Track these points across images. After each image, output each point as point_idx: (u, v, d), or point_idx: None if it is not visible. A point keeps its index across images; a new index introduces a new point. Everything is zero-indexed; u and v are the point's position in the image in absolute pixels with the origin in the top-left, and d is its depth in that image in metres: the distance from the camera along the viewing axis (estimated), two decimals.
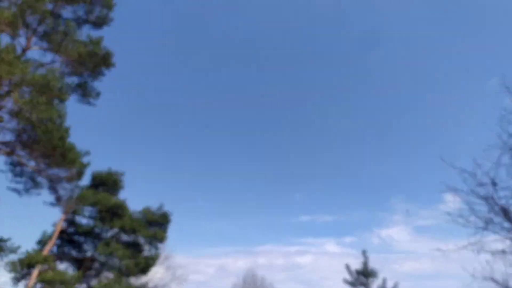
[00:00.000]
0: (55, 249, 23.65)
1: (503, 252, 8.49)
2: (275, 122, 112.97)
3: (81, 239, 24.66)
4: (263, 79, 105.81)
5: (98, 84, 20.64)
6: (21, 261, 19.24)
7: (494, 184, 8.43)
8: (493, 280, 8.68)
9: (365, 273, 15.28)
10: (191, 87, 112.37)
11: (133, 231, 23.21)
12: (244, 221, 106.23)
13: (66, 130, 16.82)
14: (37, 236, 23.55)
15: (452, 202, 8.82)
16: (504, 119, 8.21)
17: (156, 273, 37.69)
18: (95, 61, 18.86)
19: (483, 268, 8.56)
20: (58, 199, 20.05)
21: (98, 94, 20.80)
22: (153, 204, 25.22)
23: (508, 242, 8.46)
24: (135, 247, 23.68)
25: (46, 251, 21.40)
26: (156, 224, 24.57)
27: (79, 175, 18.73)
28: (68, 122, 17.48)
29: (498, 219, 8.57)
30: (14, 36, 16.83)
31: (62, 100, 17.18)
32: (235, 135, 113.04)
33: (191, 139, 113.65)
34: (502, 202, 8.39)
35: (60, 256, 23.35)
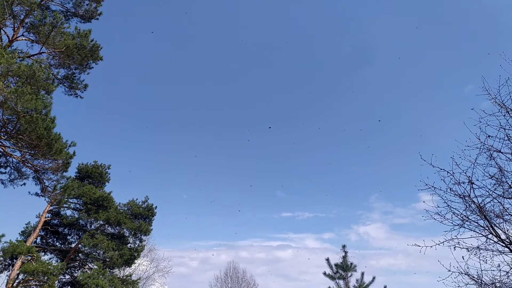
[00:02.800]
0: (39, 240, 23.61)
1: (478, 248, 8.77)
2: (259, 120, 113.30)
3: (66, 230, 24.66)
4: (249, 79, 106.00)
5: (86, 77, 20.62)
6: (4, 251, 19.19)
7: (471, 183, 8.68)
8: (468, 275, 8.97)
9: (344, 267, 15.59)
10: (178, 81, 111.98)
11: (118, 223, 23.26)
12: (227, 216, 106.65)
13: (52, 121, 16.76)
14: (21, 227, 23.53)
15: (428, 200, 9.07)
16: (482, 121, 8.47)
17: (140, 265, 37.86)
18: (83, 54, 18.82)
19: (459, 263, 8.84)
20: (44, 190, 19.97)
21: (85, 86, 20.76)
22: (139, 197, 25.33)
23: (483, 239, 8.73)
24: (119, 239, 23.73)
25: (29, 242, 21.36)
26: (141, 217, 24.65)
27: (65, 166, 18.67)
28: (55, 113, 17.42)
29: (474, 216, 8.84)
30: (1, 26, 16.73)
31: (48, 91, 17.13)
32: (220, 132, 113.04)
33: (177, 134, 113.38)
34: (478, 200, 8.65)
35: (44, 247, 23.31)
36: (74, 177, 24.14)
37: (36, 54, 17.61)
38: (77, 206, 23.74)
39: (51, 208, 23.10)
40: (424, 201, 9.20)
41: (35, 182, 19.98)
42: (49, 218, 23.38)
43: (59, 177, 19.35)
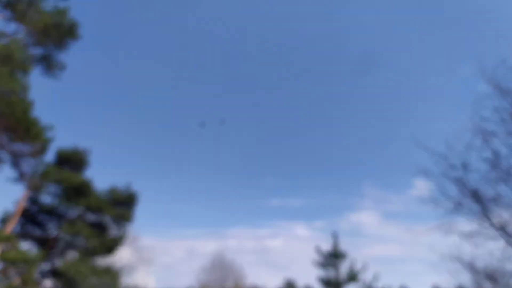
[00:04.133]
0: (17, 228, 22.95)
1: (471, 234, 8.68)
2: (249, 107, 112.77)
3: (45, 218, 23.98)
4: (240, 70, 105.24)
5: (63, 57, 19.90)
6: None
7: (465, 167, 8.56)
8: (460, 260, 8.89)
9: (335, 255, 15.47)
10: (161, 63, 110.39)
11: (99, 210, 22.76)
12: (215, 203, 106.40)
13: (30, 104, 16.17)
14: None
15: (421, 187, 8.94)
16: (476, 103, 8.31)
17: (123, 254, 37.41)
18: (61, 32, 18.11)
19: (451, 249, 8.75)
20: (22, 175, 19.36)
21: (63, 67, 20.06)
22: (120, 184, 24.75)
23: (475, 224, 8.64)
24: (101, 227, 23.25)
25: (8, 229, 20.72)
26: (123, 204, 24.15)
27: (43, 150, 18.11)
28: (32, 95, 16.80)
29: (467, 201, 8.73)
30: None
31: (25, 72, 16.46)
32: (207, 117, 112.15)
33: (161, 119, 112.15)
34: (472, 185, 8.53)
35: (23, 235, 22.66)
36: (53, 162, 23.38)
37: (12, 33, 16.87)
38: (56, 192, 23.09)
39: (30, 194, 22.42)
40: (417, 187, 9.06)
41: (13, 167, 19.36)
42: (27, 205, 22.70)
43: (38, 162, 18.77)
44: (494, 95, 8.25)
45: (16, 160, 18.62)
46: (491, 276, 8.62)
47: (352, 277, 15.02)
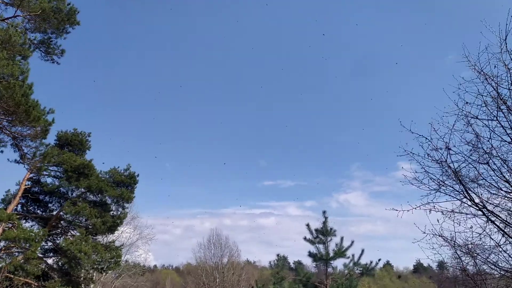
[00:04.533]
0: (19, 207, 23.46)
1: (453, 211, 9.05)
2: (244, 92, 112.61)
3: (47, 198, 24.51)
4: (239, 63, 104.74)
5: (62, 42, 20.06)
6: None
7: (448, 149, 8.87)
8: (442, 237, 9.30)
9: (324, 232, 15.92)
10: (159, 46, 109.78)
11: (100, 191, 23.18)
12: (211, 185, 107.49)
13: (29, 87, 16.41)
14: (0, 194, 23.30)
15: (407, 169, 9.25)
16: (461, 88, 8.58)
17: (124, 232, 38.14)
18: (59, 18, 18.27)
19: (433, 226, 9.14)
20: (23, 157, 19.71)
21: (62, 52, 20.26)
22: (120, 165, 25.17)
23: (457, 202, 9.00)
24: (102, 206, 23.72)
25: (10, 209, 21.21)
26: (123, 184, 24.59)
27: (44, 133, 18.39)
28: (32, 79, 17.02)
29: (450, 181, 9.07)
30: None
31: (24, 56, 16.66)
32: (204, 101, 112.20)
33: (160, 102, 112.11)
34: (455, 165, 8.85)
35: (25, 214, 23.20)
36: (54, 144, 23.75)
37: (10, 18, 17.00)
38: (58, 174, 23.54)
39: (31, 175, 22.86)
40: (402, 167, 9.42)
41: (14, 149, 19.70)
42: (29, 186, 23.17)
43: (38, 144, 19.10)
44: (477, 80, 8.52)
45: (17, 142, 18.95)
46: (471, 251, 9.04)
47: (340, 253, 15.53)
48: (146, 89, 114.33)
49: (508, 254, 8.56)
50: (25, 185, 22.45)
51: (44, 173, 22.89)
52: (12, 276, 20.27)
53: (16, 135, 18.40)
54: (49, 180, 23.90)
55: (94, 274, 25.31)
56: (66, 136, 24.34)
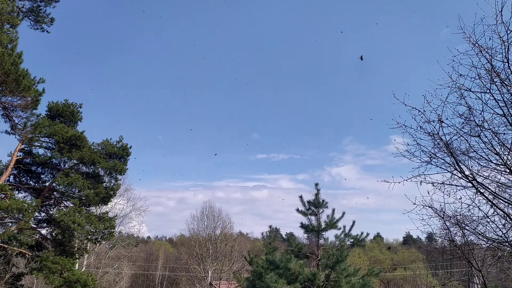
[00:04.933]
0: (11, 178, 23.39)
1: (443, 183, 9.16)
2: (239, 64, 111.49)
3: (39, 169, 24.42)
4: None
5: (52, 11, 19.61)
6: None
7: (440, 121, 8.89)
8: (432, 208, 9.44)
9: (316, 204, 16.06)
10: (152, 18, 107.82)
11: (93, 162, 23.11)
12: (204, 157, 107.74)
13: (19, 56, 16.12)
14: None
15: (399, 141, 9.28)
16: (455, 60, 8.54)
17: (117, 204, 38.33)
18: None
19: (424, 198, 9.25)
20: (13, 128, 19.55)
21: (52, 20, 19.85)
22: (113, 137, 25.02)
23: (448, 175, 9.10)
24: (94, 178, 23.71)
25: (2, 180, 21.15)
26: (115, 156, 24.51)
27: (35, 103, 18.19)
28: (21, 48, 16.70)
29: (441, 154, 9.14)
30: None
31: (13, 25, 16.31)
32: (198, 74, 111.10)
33: (152, 73, 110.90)
34: (446, 138, 8.90)
35: (18, 185, 23.15)
36: (45, 115, 23.47)
37: None
38: (49, 145, 23.36)
39: (23, 146, 22.69)
40: (395, 140, 9.46)
41: (4, 120, 19.52)
42: (21, 157, 23.03)
43: (29, 115, 18.91)
44: (472, 53, 8.48)
45: (7, 113, 18.74)
46: (460, 222, 9.20)
47: (331, 224, 15.73)
48: (141, 63, 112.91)
49: (496, 224, 8.72)
50: (17, 156, 22.32)
51: (36, 144, 22.72)
52: (6, 246, 20.41)
53: (7, 105, 18.21)
54: (41, 151, 23.77)
55: (88, 244, 25.49)
56: (57, 107, 24.04)
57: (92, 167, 23.77)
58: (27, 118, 19.05)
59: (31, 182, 24.24)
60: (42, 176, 24.64)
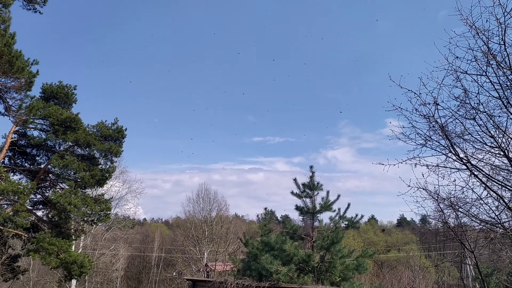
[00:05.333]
0: (6, 160, 23.31)
1: (437, 166, 9.22)
2: (234, 47, 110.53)
3: (34, 151, 24.33)
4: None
5: None
6: None
7: (436, 104, 8.91)
8: (426, 190, 9.52)
9: (311, 187, 16.14)
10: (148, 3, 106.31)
11: (88, 144, 23.03)
12: (199, 140, 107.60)
13: (12, 36, 15.90)
14: None
15: (394, 124, 9.30)
16: (452, 42, 8.50)
17: (113, 186, 38.39)
18: None
19: (418, 180, 9.32)
20: (7, 109, 19.40)
21: (45, 0, 19.51)
22: (108, 120, 24.88)
23: (443, 157, 9.15)
24: (90, 160, 23.67)
25: None
26: (111, 138, 24.43)
27: (28, 85, 18.03)
28: (14, 29, 16.46)
29: (436, 136, 9.17)
30: None
31: (5, 4, 16.05)
32: (194, 56, 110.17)
33: (148, 56, 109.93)
34: (442, 121, 8.92)
35: (13, 167, 23.09)
36: (39, 97, 23.27)
37: None
38: (44, 127, 23.23)
39: (17, 128, 22.55)
40: (390, 122, 9.48)
41: None
42: (15, 139, 22.90)
43: (23, 96, 18.76)
44: (469, 35, 8.45)
45: (1, 94, 18.57)
46: (454, 204, 9.28)
47: (326, 206, 15.84)
48: (134, 44, 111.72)
49: (489, 206, 8.81)
50: (12, 138, 22.20)
51: (30, 126, 22.59)
52: (2, 228, 20.45)
53: (0, 87, 18.01)
54: (35, 133, 23.63)
55: (85, 226, 25.58)
56: (51, 89, 23.83)
57: (87, 149, 23.70)
58: (21, 99, 18.91)
59: (26, 164, 24.18)
60: (37, 158, 24.58)
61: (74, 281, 33.40)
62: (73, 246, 26.26)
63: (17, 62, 16.58)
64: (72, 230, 23.74)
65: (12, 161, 23.64)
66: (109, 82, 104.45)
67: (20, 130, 23.22)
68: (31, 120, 21.77)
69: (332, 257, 14.51)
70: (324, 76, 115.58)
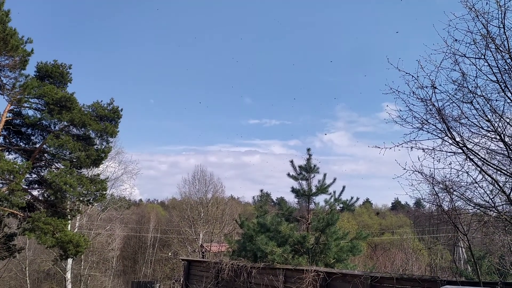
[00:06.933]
0: (1, 140, 23.21)
1: (433, 149, 9.23)
2: (232, 29, 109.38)
3: (29, 130, 24.19)
4: None
5: None
6: None
7: (433, 87, 8.87)
8: (421, 173, 9.54)
9: (308, 169, 16.21)
10: None
11: (83, 124, 22.89)
12: (196, 122, 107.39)
13: (6, 14, 15.65)
14: None
15: (391, 107, 9.27)
16: (451, 24, 8.41)
17: (109, 167, 38.39)
18: None
19: (414, 163, 9.33)
20: (2, 88, 19.20)
21: None
22: (103, 100, 24.69)
23: (439, 141, 9.15)
24: (85, 140, 23.57)
25: None
26: (106, 119, 24.28)
27: (23, 63, 17.82)
28: (8, 7, 16.18)
29: (433, 120, 9.16)
30: None
31: None
32: (189, 38, 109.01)
33: (143, 36, 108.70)
34: (439, 104, 8.90)
35: (8, 147, 22.98)
36: (34, 76, 23.02)
37: None
38: (39, 106, 23.05)
39: (12, 107, 22.37)
40: (387, 106, 9.44)
41: None
42: (10, 118, 22.74)
43: (17, 75, 18.54)
44: (468, 17, 8.36)
45: None
46: (448, 188, 9.32)
47: (322, 189, 15.93)
48: (130, 24, 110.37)
49: (484, 190, 8.85)
50: (6, 117, 22.05)
51: (25, 105, 22.41)
52: None
53: None
54: (30, 112, 23.44)
55: (80, 206, 25.63)
56: (46, 68, 23.56)
57: (82, 129, 23.58)
58: (16, 78, 18.70)
59: (21, 144, 24.06)
60: (32, 137, 24.45)
61: (70, 260, 33.67)
62: (69, 226, 26.37)
63: (12, 40, 16.36)
64: (68, 210, 23.79)
65: (7, 140, 23.53)
66: (104, 62, 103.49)
67: (15, 109, 23.05)
68: (26, 99, 21.58)
69: (327, 239, 14.65)
70: (322, 59, 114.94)
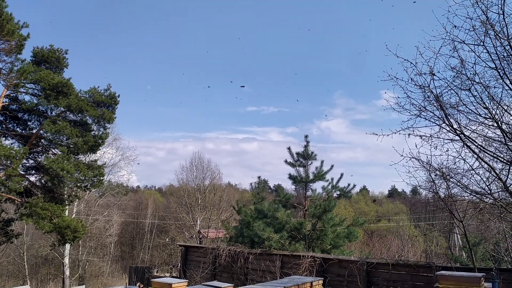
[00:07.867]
0: None
1: (431, 136, 9.24)
2: (229, 16, 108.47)
3: (26, 116, 24.07)
4: None
5: None
6: None
7: (432, 74, 8.84)
8: (418, 160, 9.57)
9: (305, 156, 16.24)
10: None
11: (80, 110, 22.77)
12: (194, 109, 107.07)
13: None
14: None
15: (389, 95, 9.25)
16: (451, 10, 8.36)
17: (106, 153, 38.33)
18: None
19: (411, 150, 9.35)
20: None
21: None
22: (100, 86, 24.53)
23: (436, 128, 9.16)
24: (82, 126, 23.47)
25: None
26: (103, 104, 24.15)
27: (19, 48, 17.66)
28: None
29: (430, 107, 9.15)
30: None
31: None
32: (189, 24, 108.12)
33: (139, 22, 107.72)
34: (437, 91, 8.88)
35: (4, 132, 22.89)
36: (30, 61, 22.82)
37: None
38: (36, 91, 22.89)
39: (8, 92, 22.21)
40: (385, 92, 9.43)
41: None
42: (7, 103, 22.61)
43: (14, 60, 18.37)
44: (468, 3, 8.30)
45: None
46: (445, 174, 9.35)
47: (320, 176, 15.98)
48: (127, 11, 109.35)
49: (480, 177, 8.89)
50: (3, 102, 21.92)
51: (22, 90, 22.26)
52: None
53: None
54: (27, 97, 23.28)
55: (78, 191, 25.63)
56: (42, 53, 23.34)
57: (79, 115, 23.46)
58: (12, 63, 18.54)
59: (18, 129, 23.97)
60: (29, 123, 24.34)
61: (68, 246, 33.80)
62: (67, 212, 26.39)
63: (8, 25, 16.19)
64: (65, 196, 23.79)
65: (3, 126, 23.42)
66: (101, 48, 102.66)
67: (11, 94, 22.89)
68: (22, 84, 21.43)
69: (324, 225, 14.74)
70: (320, 46, 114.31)
